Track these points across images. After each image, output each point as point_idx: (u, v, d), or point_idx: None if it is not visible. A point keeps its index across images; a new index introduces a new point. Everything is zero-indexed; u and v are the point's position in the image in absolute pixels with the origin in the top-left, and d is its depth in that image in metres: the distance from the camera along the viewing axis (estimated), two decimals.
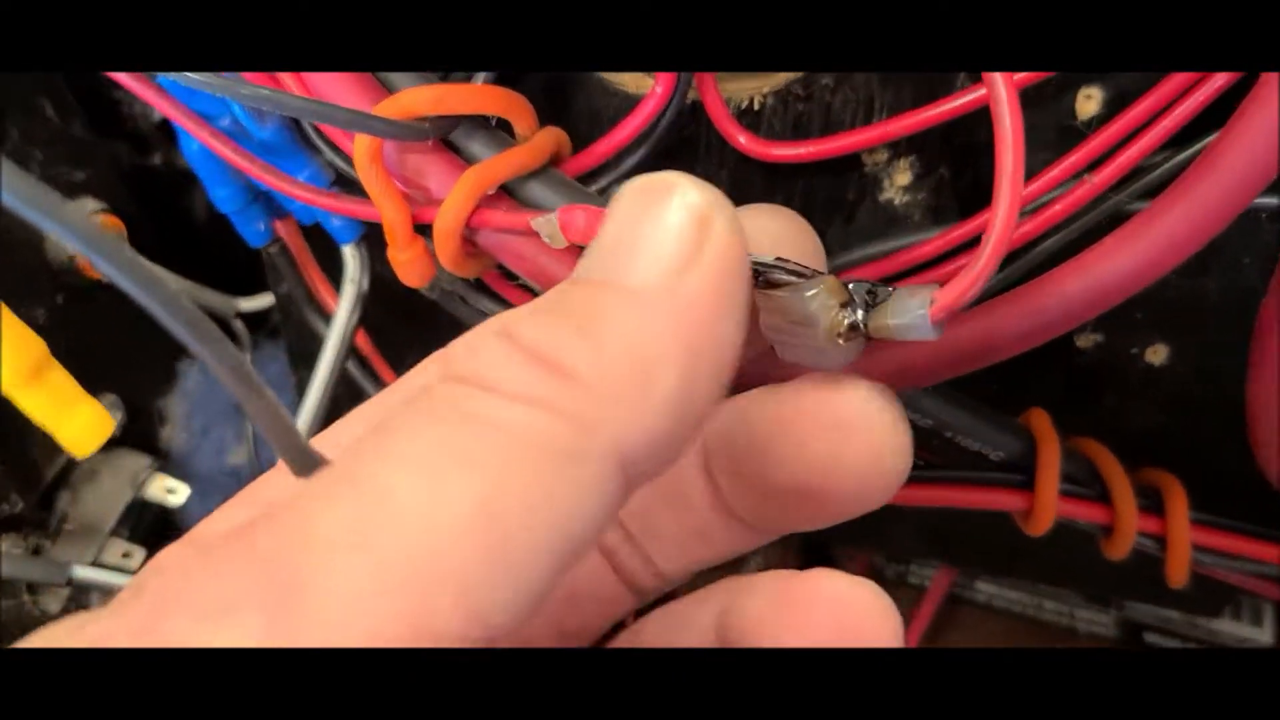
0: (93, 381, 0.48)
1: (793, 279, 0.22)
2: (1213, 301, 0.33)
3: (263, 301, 0.47)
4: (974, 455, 0.34)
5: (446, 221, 0.29)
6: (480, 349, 0.18)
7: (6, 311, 0.20)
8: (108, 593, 0.44)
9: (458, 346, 0.20)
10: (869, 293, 0.22)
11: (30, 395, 0.23)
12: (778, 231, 0.24)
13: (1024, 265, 0.31)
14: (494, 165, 0.29)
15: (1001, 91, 0.22)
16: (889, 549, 0.44)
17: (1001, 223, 0.21)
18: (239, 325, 0.47)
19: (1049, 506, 0.34)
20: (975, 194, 0.32)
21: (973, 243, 0.32)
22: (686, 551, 0.25)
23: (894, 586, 0.45)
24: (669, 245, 0.19)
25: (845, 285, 0.22)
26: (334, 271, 0.39)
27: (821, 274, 0.22)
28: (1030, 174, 0.31)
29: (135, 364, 0.51)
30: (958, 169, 0.32)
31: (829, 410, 0.22)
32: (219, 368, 0.17)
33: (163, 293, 0.16)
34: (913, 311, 0.21)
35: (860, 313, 0.21)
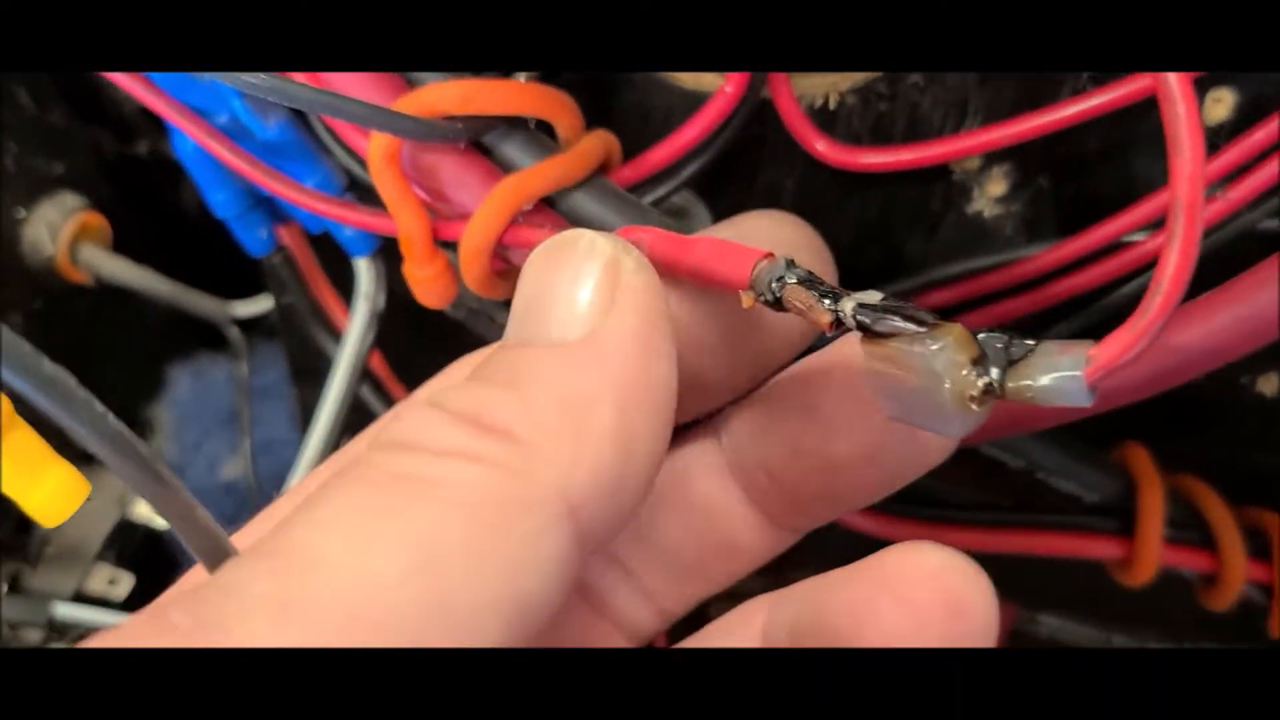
0: None
1: (909, 326, 0.18)
2: None
3: (261, 305, 0.43)
4: (1065, 497, 0.31)
5: (475, 239, 0.25)
6: (406, 417, 0.18)
7: None
8: (89, 629, 0.40)
9: (393, 416, 0.19)
10: (1003, 346, 0.18)
11: None
12: (784, 240, 0.23)
13: (1141, 286, 0.28)
14: (532, 176, 0.25)
15: (1179, 104, 0.18)
16: None
17: (1176, 268, 0.17)
18: (235, 333, 0.43)
19: (1152, 557, 0.30)
20: (1078, 208, 0.28)
21: (1077, 265, 0.28)
22: (705, 571, 0.24)
23: None
24: (580, 294, 0.19)
25: (975, 336, 0.18)
26: (344, 282, 0.35)
27: (944, 322, 0.18)
28: (1149, 187, 0.27)
29: (120, 370, 0.47)
30: (1059, 180, 0.28)
31: None
32: (120, 464, 0.16)
33: (58, 386, 0.15)
34: (1064, 372, 0.17)
35: (995, 371, 0.18)
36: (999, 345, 0.17)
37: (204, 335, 0.47)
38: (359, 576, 0.15)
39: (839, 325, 0.19)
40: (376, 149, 0.25)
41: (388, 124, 0.24)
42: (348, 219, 0.27)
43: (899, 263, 0.30)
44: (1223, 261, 0.24)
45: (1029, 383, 0.17)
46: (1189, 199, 0.17)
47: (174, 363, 0.48)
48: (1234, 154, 0.26)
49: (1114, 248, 0.28)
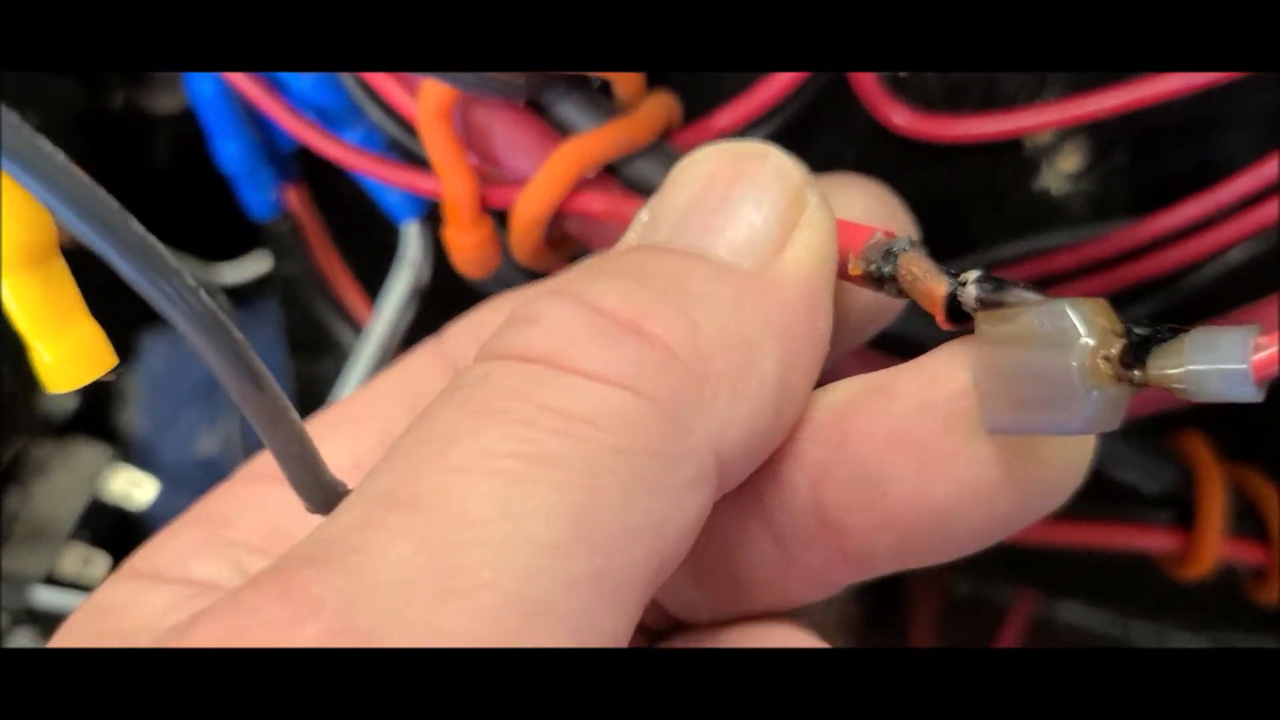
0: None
1: (1036, 296, 0.16)
2: None
3: (250, 270, 0.40)
4: (1124, 487, 0.29)
5: (533, 208, 0.23)
6: (545, 315, 0.16)
7: (9, 181, 0.15)
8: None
9: (515, 315, 0.16)
10: (1146, 330, 0.15)
11: (21, 285, 0.16)
12: (864, 208, 0.21)
13: (1217, 270, 0.26)
14: (596, 140, 0.23)
15: None
16: (970, 572, 0.40)
17: None
18: (223, 302, 0.41)
19: (1211, 551, 0.29)
20: (1154, 187, 0.27)
21: (1154, 246, 0.27)
22: (717, 606, 0.20)
23: (969, 608, 0.41)
24: (762, 221, 0.17)
25: (1118, 317, 0.16)
26: (354, 254, 0.33)
27: (1081, 298, 0.16)
28: (1231, 168, 0.26)
29: None
30: (1138, 156, 0.27)
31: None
32: (222, 367, 0.14)
33: (165, 270, 0.14)
34: (1226, 359, 0.14)
35: (1138, 345, 0.15)
36: (1143, 325, 0.15)
37: None
38: (516, 545, 0.13)
39: (952, 303, 0.17)
40: (429, 102, 0.23)
41: (451, 75, 0.22)
42: (396, 179, 0.25)
43: (963, 238, 0.28)
44: None
45: (1180, 369, 0.15)
46: None
47: (148, 330, 0.45)
48: None
49: (1192, 230, 0.26)
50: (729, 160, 0.18)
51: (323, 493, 0.16)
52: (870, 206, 0.22)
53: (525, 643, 0.13)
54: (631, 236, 0.18)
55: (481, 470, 0.14)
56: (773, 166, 0.17)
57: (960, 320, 0.17)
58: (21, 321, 0.17)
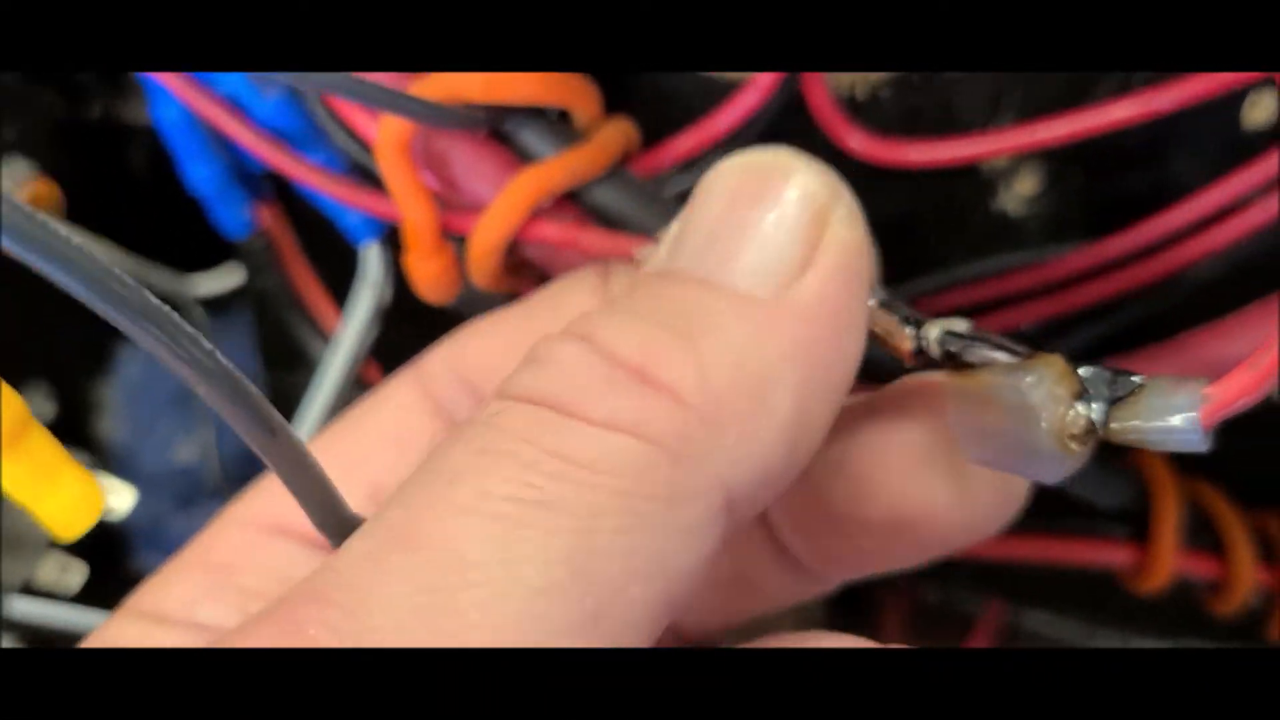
0: (16, 368, 0.42)
1: (1002, 356, 0.17)
2: None
3: (225, 282, 0.41)
4: (1079, 503, 0.30)
5: (490, 236, 0.23)
6: (556, 360, 0.16)
7: None
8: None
9: (530, 354, 0.16)
10: (1107, 382, 0.16)
11: (6, 465, 0.18)
12: None
13: (1173, 294, 0.27)
14: (553, 169, 0.23)
15: None
16: (937, 581, 0.40)
17: None
18: (198, 313, 0.41)
19: (1165, 565, 0.30)
20: (1111, 210, 0.27)
21: (1109, 267, 0.27)
22: (722, 606, 0.22)
23: (938, 616, 0.41)
24: (783, 242, 0.17)
25: (1075, 370, 0.17)
26: (325, 269, 0.33)
27: (1041, 353, 0.17)
28: (1184, 190, 0.26)
29: (65, 347, 0.45)
30: (1094, 178, 0.27)
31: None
32: (230, 411, 0.14)
33: (164, 321, 0.14)
34: (1178, 414, 0.16)
35: (1098, 407, 0.16)
36: (1102, 381, 0.16)
37: None
38: (510, 589, 0.14)
39: (920, 355, 0.17)
40: (388, 135, 0.23)
41: (405, 109, 0.22)
42: (356, 202, 0.25)
43: (921, 259, 0.29)
44: (1267, 268, 0.24)
45: (1137, 423, 0.16)
46: None
47: (125, 340, 0.45)
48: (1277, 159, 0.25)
49: (1146, 252, 0.27)
50: (753, 175, 0.18)
51: (343, 529, 0.16)
52: None
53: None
54: (661, 252, 0.18)
55: (481, 513, 0.14)
56: (796, 182, 0.17)
57: (929, 365, 0.18)
58: (17, 493, 0.18)
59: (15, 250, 0.12)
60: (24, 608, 0.37)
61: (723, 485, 0.15)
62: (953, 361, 0.17)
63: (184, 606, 0.19)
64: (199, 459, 0.45)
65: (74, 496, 0.18)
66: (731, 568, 0.21)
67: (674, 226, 0.18)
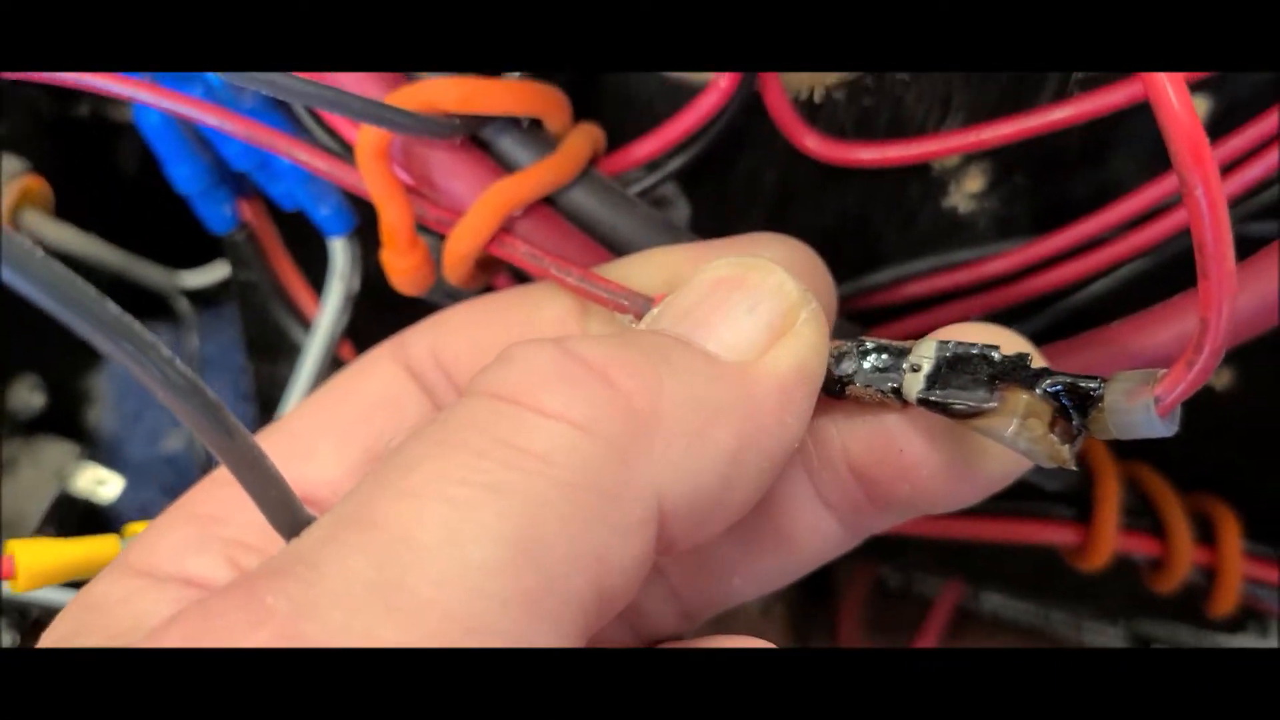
0: (9, 360, 0.43)
1: (975, 403, 0.18)
2: None
3: (212, 275, 0.42)
4: (1025, 484, 0.31)
5: (463, 245, 0.24)
6: (523, 357, 0.17)
7: None
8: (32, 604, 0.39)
9: (501, 354, 0.18)
10: (1070, 391, 0.18)
11: None
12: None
13: (1108, 286, 0.28)
14: (523, 181, 0.24)
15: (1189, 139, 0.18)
16: (897, 564, 0.42)
17: (1218, 307, 0.17)
18: (184, 305, 0.42)
19: (1107, 544, 0.31)
20: (1052, 207, 0.29)
21: (1051, 262, 0.29)
22: (745, 570, 0.22)
23: (899, 599, 0.43)
24: (754, 326, 0.19)
25: (1043, 398, 0.18)
26: (305, 262, 0.34)
27: (1009, 390, 0.18)
28: (1123, 190, 0.28)
29: (56, 338, 0.45)
30: (1036, 178, 0.29)
31: None
32: (187, 413, 0.15)
33: (122, 327, 0.14)
34: (1138, 412, 0.18)
35: (1076, 424, 0.18)
36: (1065, 392, 0.18)
37: (146, 304, 0.46)
38: (457, 568, 0.14)
39: (909, 406, 0.19)
40: (366, 142, 0.24)
41: (383, 119, 0.23)
42: (346, 182, 0.26)
43: (875, 254, 0.30)
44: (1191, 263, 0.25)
45: (1112, 424, 0.18)
46: (1211, 241, 0.17)
47: None
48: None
49: (1086, 248, 0.28)
50: (738, 270, 0.19)
51: (298, 526, 0.17)
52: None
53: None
54: (645, 320, 0.20)
55: (432, 495, 0.15)
56: (775, 281, 0.19)
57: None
58: None
59: None
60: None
61: (659, 493, 0.16)
62: (938, 410, 0.19)
63: (172, 559, 0.20)
64: (185, 448, 0.46)
65: None
66: (772, 520, 0.22)
67: (655, 308, 0.20)
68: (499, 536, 0.15)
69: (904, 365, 0.19)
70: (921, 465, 0.20)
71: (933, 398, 0.19)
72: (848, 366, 0.20)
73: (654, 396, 0.17)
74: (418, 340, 0.24)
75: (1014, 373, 0.18)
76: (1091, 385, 0.18)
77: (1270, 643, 0.43)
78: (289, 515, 0.17)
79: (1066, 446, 0.18)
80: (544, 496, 0.15)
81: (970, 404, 0.18)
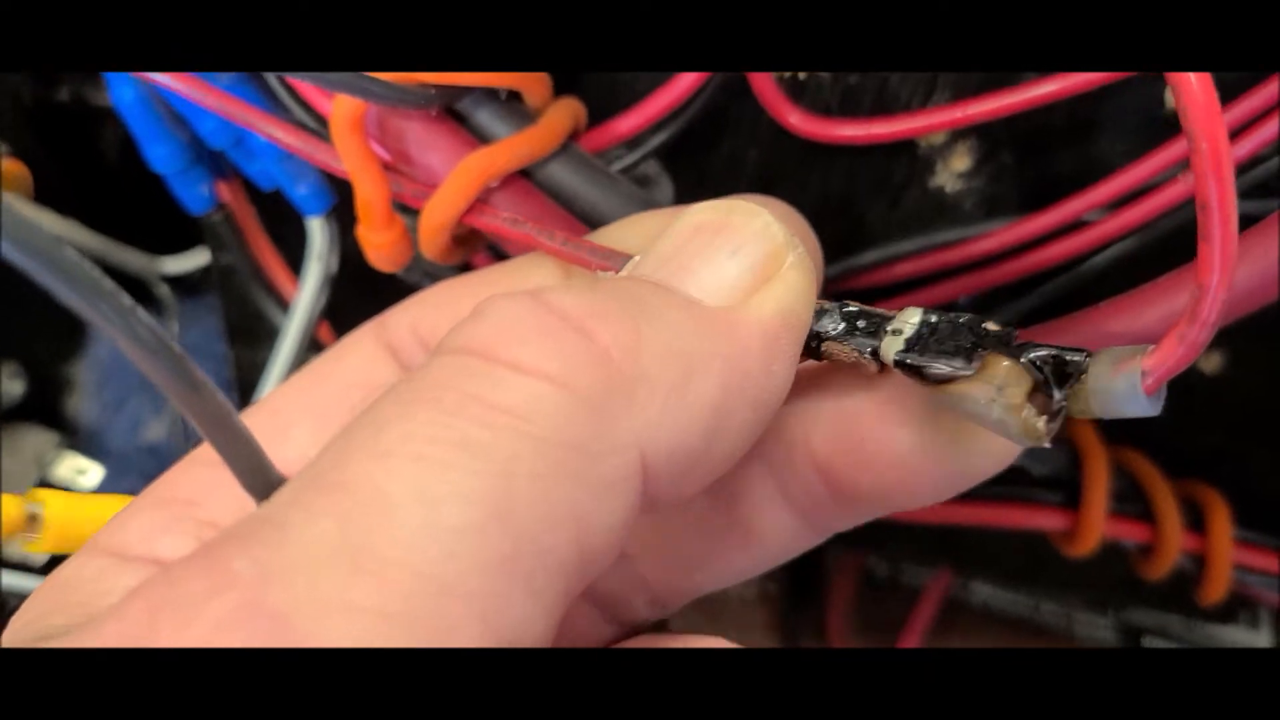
0: None
1: (955, 368, 0.18)
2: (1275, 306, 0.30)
3: (193, 261, 0.41)
4: (1014, 469, 0.31)
5: (438, 216, 0.24)
6: (498, 312, 0.16)
7: None
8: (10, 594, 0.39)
9: (474, 310, 0.17)
10: (1054, 363, 0.17)
11: None
12: None
13: (1099, 265, 0.28)
14: (499, 152, 0.24)
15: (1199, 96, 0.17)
16: (886, 553, 0.41)
17: (1219, 277, 0.16)
18: (165, 291, 0.42)
19: (1095, 529, 0.31)
20: (1040, 185, 0.29)
21: (1038, 242, 0.28)
22: (710, 564, 0.22)
23: (887, 589, 0.42)
24: (737, 270, 0.18)
25: (1025, 367, 0.17)
26: (284, 243, 0.34)
27: (990, 355, 0.18)
28: (1110, 168, 0.27)
29: (37, 326, 0.45)
30: (1023, 156, 0.28)
31: None
32: (152, 367, 0.14)
33: (82, 275, 0.14)
34: (1122, 388, 0.17)
35: (1058, 397, 0.17)
36: (1050, 365, 0.17)
37: (127, 290, 0.46)
38: (429, 527, 0.14)
39: (885, 368, 0.19)
40: (341, 113, 0.24)
41: (359, 88, 0.23)
42: (319, 160, 0.25)
43: (861, 234, 0.30)
44: (1184, 242, 0.25)
45: (1089, 404, 0.17)
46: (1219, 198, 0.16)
47: None
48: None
49: (1073, 227, 0.28)
50: (720, 214, 0.18)
51: (270, 489, 0.16)
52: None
53: (434, 619, 0.14)
54: (626, 269, 0.19)
55: (403, 455, 0.14)
56: (759, 224, 0.18)
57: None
58: None
59: None
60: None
61: (639, 447, 0.16)
62: (914, 375, 0.18)
63: (143, 540, 0.19)
64: (166, 438, 0.46)
65: None
66: (734, 516, 0.21)
67: (636, 256, 0.19)
68: (472, 496, 0.14)
69: (886, 329, 0.18)
70: (885, 456, 0.19)
71: (909, 360, 0.18)
72: (827, 324, 0.19)
73: (633, 347, 0.16)
74: (398, 319, 0.23)
75: (997, 343, 0.18)
76: (1076, 357, 0.17)
77: (1262, 632, 0.43)
78: (260, 476, 0.16)
79: (1043, 419, 0.17)
80: (518, 454, 0.15)
81: (948, 368, 0.18)
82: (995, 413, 0.17)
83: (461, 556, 0.14)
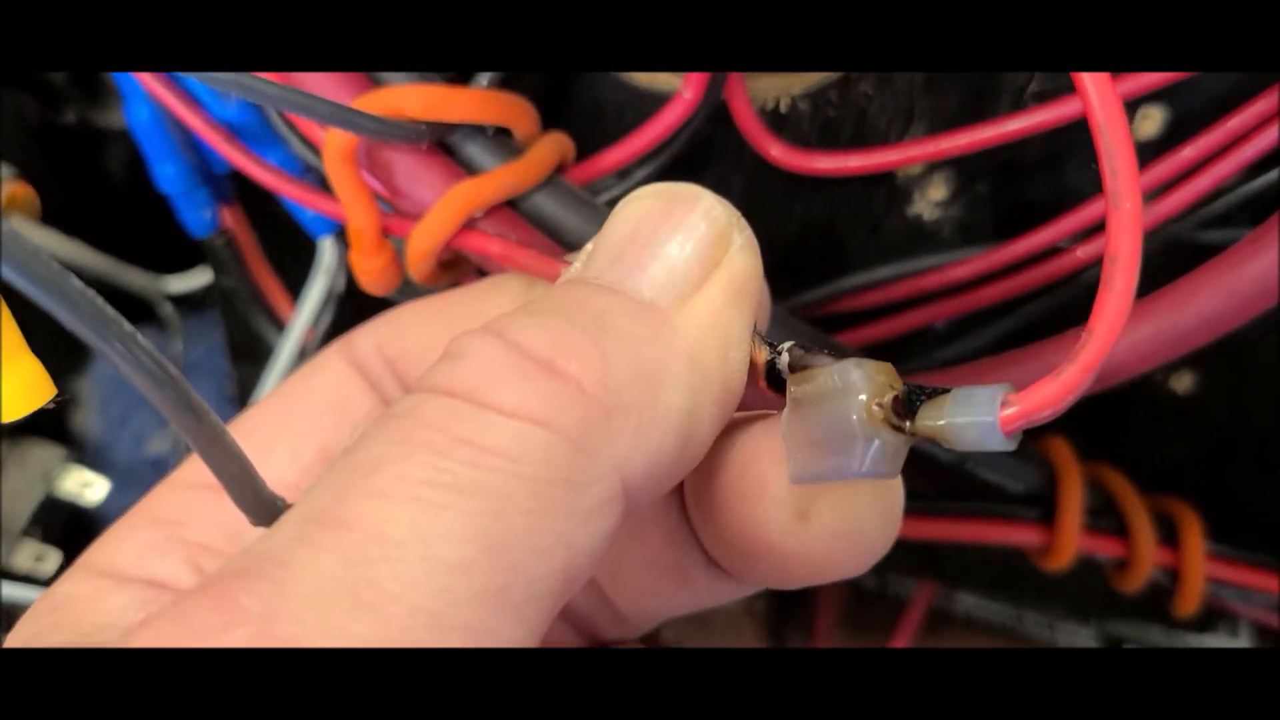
0: None
1: (829, 359, 0.19)
2: (1246, 328, 0.31)
3: (196, 280, 0.42)
4: (990, 486, 0.32)
5: (424, 244, 0.25)
6: (470, 354, 0.17)
7: None
8: (17, 607, 0.40)
9: (448, 350, 0.18)
10: (920, 391, 0.18)
11: None
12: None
13: (1071, 291, 0.29)
14: (485, 184, 0.25)
15: (1111, 138, 0.18)
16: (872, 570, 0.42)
17: (1108, 327, 0.17)
18: (169, 310, 0.43)
19: (1070, 545, 0.32)
20: (1014, 214, 0.30)
21: (1012, 269, 0.29)
22: (660, 596, 0.23)
23: (873, 598, 0.43)
24: (685, 261, 0.18)
25: (894, 371, 0.18)
26: (284, 270, 0.35)
27: (868, 360, 0.18)
28: (1082, 197, 0.28)
29: (42, 342, 0.46)
30: (998, 186, 0.29)
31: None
32: (154, 392, 0.15)
33: (85, 303, 0.15)
34: (979, 413, 0.17)
35: (905, 389, 0.18)
36: (919, 389, 0.18)
37: (131, 308, 0.47)
38: (426, 566, 0.15)
39: (771, 370, 0.19)
40: (333, 145, 0.25)
41: (350, 122, 0.24)
42: (308, 201, 0.27)
43: (841, 261, 0.31)
44: (1151, 270, 0.26)
45: (942, 422, 0.17)
46: (1126, 252, 0.17)
47: None
48: (1163, 169, 0.27)
49: (1046, 254, 0.29)
50: (662, 201, 0.19)
51: (263, 508, 0.17)
52: None
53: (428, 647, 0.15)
54: (575, 267, 0.20)
55: (399, 496, 0.15)
56: (702, 209, 0.19)
57: (778, 385, 0.19)
58: None
59: None
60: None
61: (620, 472, 0.17)
62: (795, 369, 0.19)
63: (136, 562, 0.20)
64: (170, 452, 0.47)
65: (24, 380, 0.19)
66: (670, 564, 0.22)
67: (588, 245, 0.20)
68: (465, 534, 0.15)
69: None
70: (738, 540, 0.20)
71: (798, 349, 0.19)
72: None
73: (601, 376, 0.17)
74: (364, 339, 0.24)
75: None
76: (943, 390, 0.18)
77: (1241, 642, 0.44)
78: (255, 497, 0.17)
79: (889, 398, 0.17)
80: (509, 493, 0.16)
81: (830, 358, 0.18)
82: (853, 375, 0.17)
83: (456, 590, 0.15)
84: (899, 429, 0.17)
